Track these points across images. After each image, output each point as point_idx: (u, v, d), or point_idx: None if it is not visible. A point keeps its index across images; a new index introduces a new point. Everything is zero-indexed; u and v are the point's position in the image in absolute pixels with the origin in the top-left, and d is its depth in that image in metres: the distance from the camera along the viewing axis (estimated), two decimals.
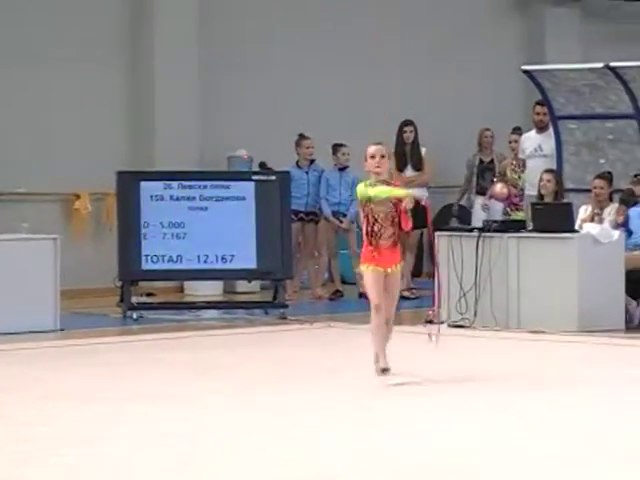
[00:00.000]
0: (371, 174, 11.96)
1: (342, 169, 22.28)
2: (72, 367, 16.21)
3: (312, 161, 22.08)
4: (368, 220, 12.13)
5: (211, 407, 11.89)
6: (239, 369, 13.63)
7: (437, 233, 19.36)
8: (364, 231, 12.21)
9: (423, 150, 22.70)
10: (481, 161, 23.89)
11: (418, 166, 23.25)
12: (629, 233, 19.07)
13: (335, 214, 21.96)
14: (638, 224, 19.28)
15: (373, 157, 11.83)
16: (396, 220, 12.11)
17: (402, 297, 19.72)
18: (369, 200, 12.12)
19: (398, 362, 14.08)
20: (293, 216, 20.35)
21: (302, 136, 22.38)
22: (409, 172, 23.25)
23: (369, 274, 12.22)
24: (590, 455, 10.73)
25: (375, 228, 12.07)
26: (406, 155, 23.35)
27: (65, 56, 23.54)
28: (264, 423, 11.72)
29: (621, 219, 18.96)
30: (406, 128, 22.85)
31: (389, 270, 12.27)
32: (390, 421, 11.37)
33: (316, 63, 25.53)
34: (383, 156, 11.86)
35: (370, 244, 12.11)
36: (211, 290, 21.98)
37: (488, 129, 24.00)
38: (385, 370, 12.05)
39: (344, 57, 25.12)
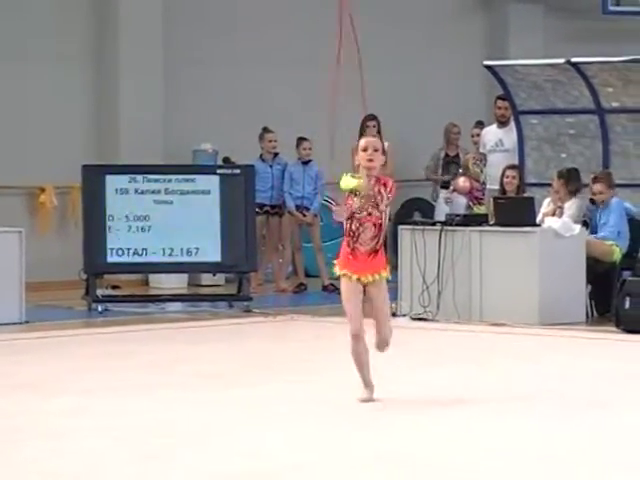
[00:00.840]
0: (362, 168, 10.76)
1: (305, 163, 22.35)
2: (36, 360, 16.05)
3: (276, 154, 22.19)
4: (350, 218, 10.83)
5: (175, 400, 11.76)
6: (203, 362, 13.45)
7: (400, 227, 19.71)
8: (345, 228, 10.82)
9: (386, 144, 22.35)
10: (447, 155, 24.16)
11: None
12: (594, 229, 19.47)
13: (299, 207, 22.00)
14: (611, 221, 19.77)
15: (365, 150, 10.59)
16: (379, 222, 10.75)
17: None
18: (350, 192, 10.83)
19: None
20: (258, 209, 20.53)
21: (266, 129, 22.40)
22: None
23: (343, 286, 10.86)
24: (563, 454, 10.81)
25: (353, 227, 10.67)
26: None
27: (31, 52, 23.59)
28: (229, 415, 11.68)
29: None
30: (369, 123, 22.64)
31: (364, 280, 10.85)
32: (355, 413, 11.40)
33: (280, 57, 25.66)
34: (376, 150, 10.64)
35: (348, 245, 10.80)
36: (176, 283, 22.02)
37: (455, 124, 24.21)
38: (365, 401, 11.06)
39: (308, 51, 25.14)
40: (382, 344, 10.80)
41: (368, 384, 10.72)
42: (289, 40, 26.48)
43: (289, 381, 13.50)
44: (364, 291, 10.86)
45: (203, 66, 25.11)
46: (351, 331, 10.63)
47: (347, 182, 10.79)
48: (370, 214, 10.65)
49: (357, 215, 10.59)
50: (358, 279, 10.78)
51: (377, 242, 10.64)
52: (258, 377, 14.13)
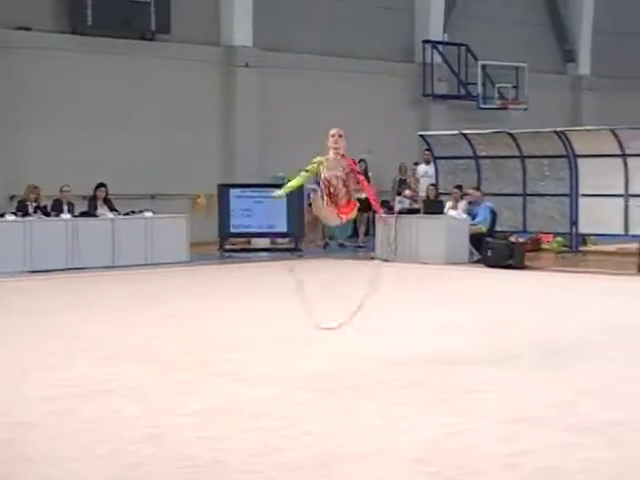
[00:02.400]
0: (331, 149, 9.39)
1: None
2: (195, 273, 17.81)
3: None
4: (325, 185, 9.42)
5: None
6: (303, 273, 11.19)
7: (376, 215, 20.74)
8: (325, 194, 9.46)
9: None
10: (400, 179, 25.04)
11: None
12: (474, 217, 20.16)
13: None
14: (481, 214, 20.29)
15: (333, 136, 9.40)
16: (347, 183, 9.40)
17: (358, 246, 22.54)
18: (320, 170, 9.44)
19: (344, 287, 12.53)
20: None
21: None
22: None
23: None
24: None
25: (331, 189, 9.37)
26: None
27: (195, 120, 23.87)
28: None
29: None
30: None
31: (346, 217, 9.64)
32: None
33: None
34: (341, 135, 9.41)
35: (330, 203, 9.39)
36: (263, 244, 22.68)
37: (403, 163, 25.38)
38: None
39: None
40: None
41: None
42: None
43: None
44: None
45: (288, 124, 24.65)
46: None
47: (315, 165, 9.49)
48: (337, 178, 9.27)
49: (332, 180, 9.36)
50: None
51: (348, 197, 9.46)
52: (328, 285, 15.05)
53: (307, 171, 9.38)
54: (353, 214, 9.71)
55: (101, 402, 7.68)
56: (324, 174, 9.43)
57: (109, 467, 6.02)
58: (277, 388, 7.37)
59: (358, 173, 9.59)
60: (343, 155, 9.51)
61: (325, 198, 9.47)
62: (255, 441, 6.59)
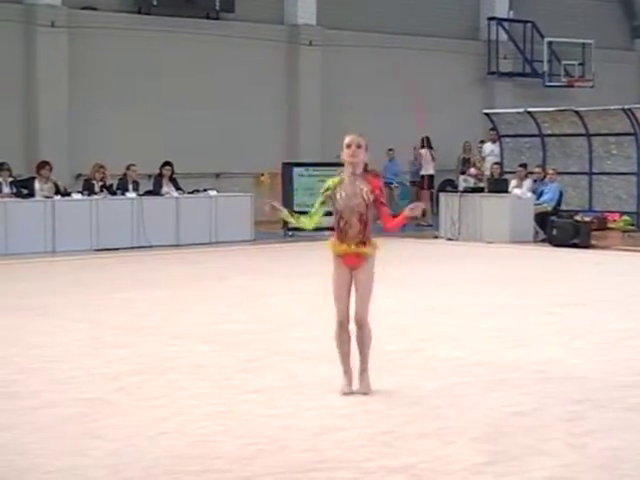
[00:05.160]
0: (346, 164, 7.48)
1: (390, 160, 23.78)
2: (264, 256, 18.07)
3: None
4: (336, 219, 7.53)
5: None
6: None
7: (440, 193, 21.17)
8: (335, 227, 7.61)
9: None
10: (464, 157, 25.04)
11: None
12: (539, 196, 19.95)
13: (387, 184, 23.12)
14: (550, 193, 20.01)
15: (349, 146, 7.40)
16: (364, 217, 7.39)
17: (419, 225, 22.11)
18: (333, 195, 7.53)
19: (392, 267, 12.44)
20: None
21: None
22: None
23: (334, 273, 7.51)
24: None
25: (341, 224, 7.47)
26: None
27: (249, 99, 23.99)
28: None
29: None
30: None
31: (355, 251, 7.36)
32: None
33: None
34: (359, 146, 7.39)
35: (337, 238, 7.51)
36: (327, 222, 22.06)
37: (467, 141, 25.44)
38: (345, 394, 7.40)
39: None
40: (357, 321, 7.41)
41: (347, 373, 7.50)
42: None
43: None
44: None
45: (352, 102, 24.50)
46: (337, 318, 7.48)
47: (328, 185, 7.58)
48: (352, 211, 7.35)
49: (345, 212, 7.40)
50: (347, 254, 7.37)
51: (363, 235, 7.39)
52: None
53: (323, 202, 7.46)
54: (367, 252, 7.37)
55: (166, 380, 7.78)
56: (337, 202, 7.43)
57: (174, 444, 6.10)
58: (339, 366, 7.23)
59: (381, 204, 7.39)
60: (362, 174, 7.41)
61: (335, 232, 7.51)
62: (317, 419, 6.64)
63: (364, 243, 7.40)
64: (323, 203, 7.51)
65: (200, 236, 18.98)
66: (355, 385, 7.42)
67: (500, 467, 5.64)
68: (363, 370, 7.48)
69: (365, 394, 7.31)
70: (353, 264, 7.39)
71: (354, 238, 7.38)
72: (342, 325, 7.46)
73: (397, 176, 23.83)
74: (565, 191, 20.51)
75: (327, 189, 7.50)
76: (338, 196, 7.44)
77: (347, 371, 7.47)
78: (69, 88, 21.49)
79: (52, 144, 21.04)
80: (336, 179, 7.52)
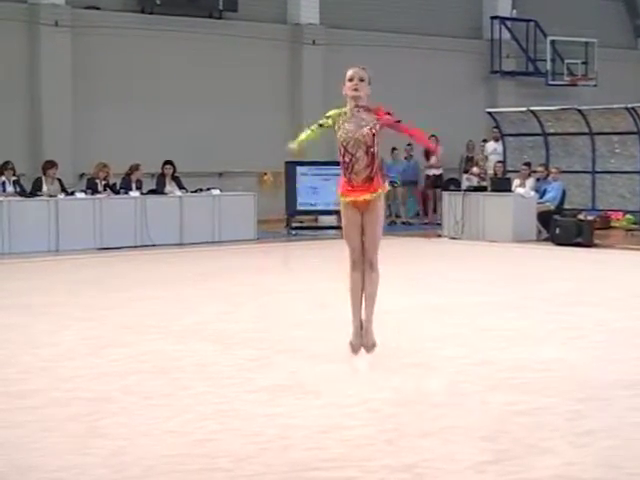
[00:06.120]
0: (348, 99, 7.22)
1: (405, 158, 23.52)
2: (261, 251, 18.02)
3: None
4: (340, 153, 7.27)
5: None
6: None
7: (444, 192, 21.00)
8: (341, 166, 7.36)
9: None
10: (467, 156, 24.98)
11: None
12: (542, 195, 19.98)
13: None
14: (553, 192, 20.11)
15: (351, 80, 7.18)
16: (371, 150, 7.10)
17: (424, 224, 22.64)
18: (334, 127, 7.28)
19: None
20: None
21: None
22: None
23: (343, 214, 7.34)
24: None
25: (346, 159, 7.17)
26: None
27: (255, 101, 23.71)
28: None
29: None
30: None
31: (363, 198, 7.13)
32: None
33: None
34: (362, 79, 7.20)
35: (344, 175, 7.27)
36: (329, 221, 22.32)
37: (471, 140, 25.33)
38: (355, 351, 7.48)
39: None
40: (367, 263, 7.26)
41: (356, 318, 7.43)
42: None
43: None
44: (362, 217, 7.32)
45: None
46: (350, 258, 7.30)
47: (332, 116, 7.27)
48: (357, 143, 7.09)
49: (350, 145, 7.10)
50: (356, 201, 7.13)
51: (371, 170, 7.13)
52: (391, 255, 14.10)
53: (321, 125, 7.25)
54: (375, 196, 7.15)
55: (170, 378, 7.76)
56: (340, 136, 7.20)
57: (178, 442, 6.09)
58: (342, 365, 7.35)
59: (396, 122, 7.17)
60: (366, 107, 7.20)
61: (341, 170, 7.24)
62: (321, 418, 6.62)
63: (372, 179, 7.13)
64: (321, 126, 7.26)
65: (203, 235, 18.98)
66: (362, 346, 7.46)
67: (503, 466, 5.62)
68: (368, 319, 7.33)
69: (373, 345, 7.28)
70: (362, 207, 7.17)
71: (361, 173, 7.11)
72: (355, 264, 7.28)
73: (401, 175, 23.43)
74: (568, 190, 20.40)
75: (328, 116, 7.26)
76: (341, 130, 7.18)
77: (356, 318, 7.35)
78: (72, 87, 21.48)
79: (55, 143, 21.03)
80: (337, 111, 7.26)
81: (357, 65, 7.40)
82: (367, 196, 7.14)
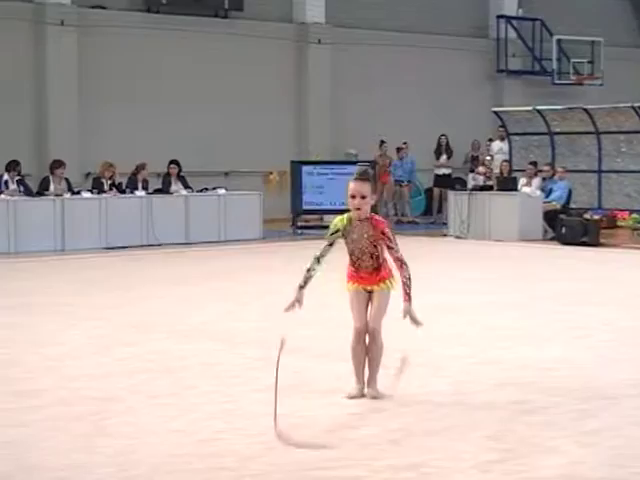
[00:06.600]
0: (352, 212, 7.24)
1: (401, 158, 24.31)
2: (270, 251, 17.82)
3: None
4: (348, 253, 7.42)
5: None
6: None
7: (449, 192, 21.16)
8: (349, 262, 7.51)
9: None
10: (472, 155, 25.16)
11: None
12: (548, 194, 20.05)
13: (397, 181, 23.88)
14: (559, 191, 20.17)
15: (353, 197, 7.21)
16: (375, 254, 7.28)
17: (431, 223, 22.95)
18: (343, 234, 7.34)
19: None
20: None
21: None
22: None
23: (351, 294, 7.46)
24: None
25: (353, 258, 7.39)
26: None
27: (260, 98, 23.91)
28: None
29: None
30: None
31: (370, 288, 7.36)
32: None
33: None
34: (364, 197, 7.16)
35: (352, 267, 7.44)
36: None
37: (476, 139, 25.48)
38: (352, 398, 7.29)
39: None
40: (370, 331, 7.35)
41: (359, 381, 7.40)
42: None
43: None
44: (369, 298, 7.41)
45: (360, 100, 24.52)
46: (354, 326, 7.39)
47: (336, 225, 7.28)
48: (362, 250, 7.25)
49: (355, 252, 7.27)
50: (364, 288, 7.37)
51: (376, 262, 7.29)
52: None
53: (331, 245, 7.21)
54: (384, 287, 7.25)
55: (176, 377, 7.77)
56: (347, 243, 7.26)
57: (184, 441, 6.10)
58: (349, 364, 7.19)
59: (388, 246, 7.15)
60: (369, 219, 7.20)
61: (348, 267, 7.37)
62: (327, 417, 6.62)
63: (378, 269, 7.27)
64: (331, 245, 7.30)
65: (209, 234, 19.03)
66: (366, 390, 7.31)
67: (509, 465, 5.61)
68: (371, 381, 7.32)
69: (375, 398, 7.14)
70: (369, 285, 7.28)
71: (369, 267, 7.26)
72: (359, 334, 7.35)
73: (408, 174, 23.62)
74: (574, 189, 20.47)
75: (336, 230, 7.29)
76: (348, 238, 7.29)
77: (359, 377, 7.33)
78: (79, 86, 21.54)
79: (62, 142, 21.07)
80: (345, 219, 7.30)
81: (360, 171, 7.26)
82: (375, 287, 7.30)
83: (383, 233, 7.26)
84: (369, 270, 7.33)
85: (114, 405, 6.99)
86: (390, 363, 7.48)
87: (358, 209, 7.22)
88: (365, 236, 7.26)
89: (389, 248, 7.27)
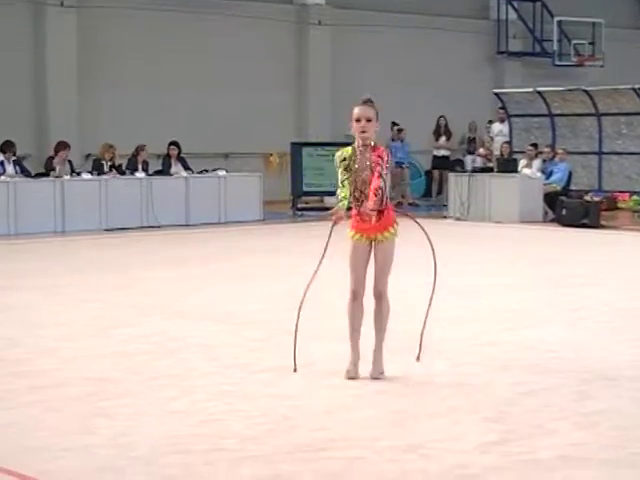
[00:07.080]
0: (356, 136, 7.11)
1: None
2: (266, 232, 17.98)
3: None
4: (351, 184, 7.20)
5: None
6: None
7: (449, 173, 21.26)
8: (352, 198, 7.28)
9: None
10: (469, 137, 25.10)
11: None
12: (548, 176, 20.11)
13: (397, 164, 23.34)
14: (560, 173, 20.26)
15: (358, 120, 7.02)
16: (380, 189, 7.01)
17: (431, 205, 22.90)
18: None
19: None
20: None
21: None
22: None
23: (351, 248, 7.27)
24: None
25: (356, 194, 7.16)
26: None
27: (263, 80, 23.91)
28: None
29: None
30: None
31: (373, 237, 7.18)
32: None
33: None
34: (369, 120, 6.99)
35: (354, 208, 7.24)
36: (335, 202, 22.51)
37: (473, 121, 25.39)
38: (351, 378, 7.16)
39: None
40: (376, 294, 7.23)
41: (355, 350, 7.24)
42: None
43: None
44: (371, 250, 7.27)
45: (361, 81, 23.75)
46: (351, 288, 7.27)
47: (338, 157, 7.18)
48: (365, 182, 7.04)
49: (358, 183, 7.06)
50: (367, 237, 7.17)
51: (380, 204, 6.98)
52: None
53: (345, 169, 7.03)
54: (388, 236, 7.05)
55: (176, 359, 7.79)
56: (352, 175, 7.05)
57: (185, 423, 6.11)
58: (348, 346, 7.12)
59: (378, 174, 6.94)
60: (372, 146, 7.05)
61: (352, 214, 7.15)
62: (327, 399, 6.65)
63: (382, 212, 7.03)
64: (346, 169, 7.06)
65: (209, 216, 19.01)
66: (361, 372, 7.15)
67: (510, 446, 5.64)
68: (377, 349, 7.20)
69: (376, 379, 7.08)
70: (372, 237, 7.09)
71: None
72: (356, 295, 7.18)
73: (408, 156, 23.51)
74: (575, 171, 20.54)
75: (343, 159, 7.12)
76: (352, 169, 7.08)
77: (354, 348, 7.22)
78: (78, 67, 21.43)
79: (61, 124, 20.97)
80: (348, 149, 7.16)
81: (364, 98, 7.12)
82: (379, 235, 7.12)
83: (380, 157, 7.05)
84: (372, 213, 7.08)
85: (114, 386, 6.99)
86: (390, 346, 7.40)
87: (363, 132, 7.03)
88: (367, 163, 7.04)
89: (379, 175, 6.99)
